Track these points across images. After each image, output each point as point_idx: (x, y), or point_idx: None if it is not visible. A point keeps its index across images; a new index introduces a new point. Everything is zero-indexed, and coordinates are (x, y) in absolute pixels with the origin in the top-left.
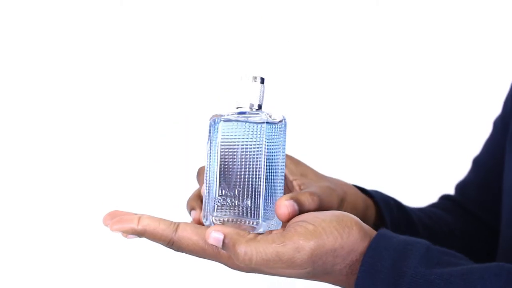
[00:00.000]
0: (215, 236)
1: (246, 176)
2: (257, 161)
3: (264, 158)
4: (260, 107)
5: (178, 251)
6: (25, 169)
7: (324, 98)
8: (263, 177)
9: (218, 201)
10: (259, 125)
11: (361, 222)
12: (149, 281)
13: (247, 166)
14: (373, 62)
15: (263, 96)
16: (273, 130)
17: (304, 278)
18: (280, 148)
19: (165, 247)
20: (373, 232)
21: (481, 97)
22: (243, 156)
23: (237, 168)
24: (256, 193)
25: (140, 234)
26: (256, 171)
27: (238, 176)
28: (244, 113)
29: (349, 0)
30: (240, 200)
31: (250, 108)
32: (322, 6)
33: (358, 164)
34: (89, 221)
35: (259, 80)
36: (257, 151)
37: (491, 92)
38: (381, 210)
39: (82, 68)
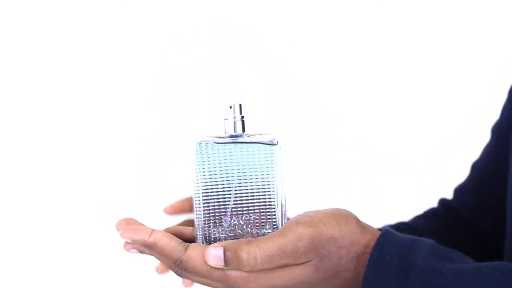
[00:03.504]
0: (215, 253)
1: (261, 202)
2: (270, 185)
3: (280, 181)
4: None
5: (182, 275)
6: (24, 169)
7: (323, 98)
8: (281, 201)
9: (230, 231)
10: (268, 147)
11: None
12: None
13: (259, 191)
14: (373, 62)
15: (243, 123)
16: (273, 150)
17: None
18: (281, 168)
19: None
20: (372, 227)
21: (482, 100)
22: (253, 181)
23: (247, 195)
24: (273, 219)
25: (149, 246)
26: (271, 196)
27: (250, 203)
28: (236, 136)
29: (349, 0)
30: (257, 229)
31: (230, 136)
32: (322, 6)
33: (358, 169)
34: (88, 221)
35: (237, 108)
36: (269, 174)
37: (491, 96)
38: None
39: (82, 68)
